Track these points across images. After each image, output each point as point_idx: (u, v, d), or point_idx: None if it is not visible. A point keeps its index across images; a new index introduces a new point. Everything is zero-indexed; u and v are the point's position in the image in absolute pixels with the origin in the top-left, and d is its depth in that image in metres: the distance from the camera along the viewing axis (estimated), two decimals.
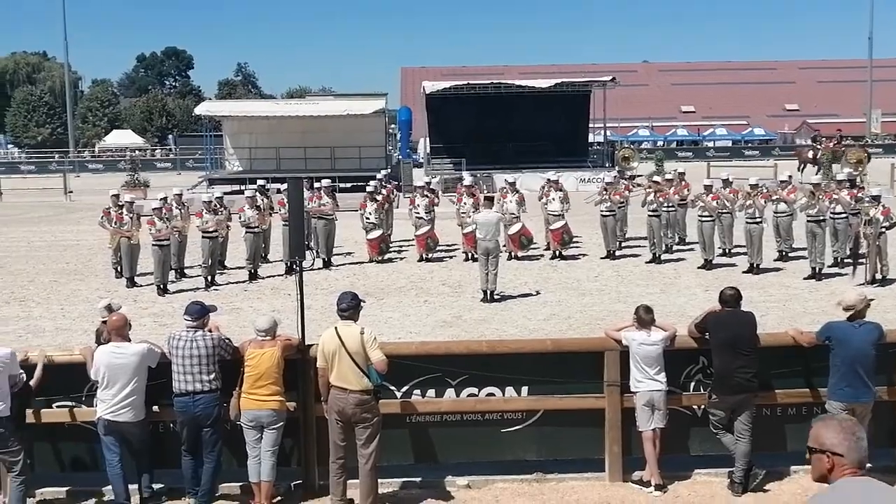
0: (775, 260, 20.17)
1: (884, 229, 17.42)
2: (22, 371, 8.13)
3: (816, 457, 3.97)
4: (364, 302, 8.49)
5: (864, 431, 4.04)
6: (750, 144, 74.18)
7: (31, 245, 26.18)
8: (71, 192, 41.99)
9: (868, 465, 7.70)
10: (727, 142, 77.14)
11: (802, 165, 40.46)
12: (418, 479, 8.87)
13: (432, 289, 18.49)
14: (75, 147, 76.84)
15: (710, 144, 75.04)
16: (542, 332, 14.08)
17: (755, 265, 19.20)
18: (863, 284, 16.63)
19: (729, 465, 8.58)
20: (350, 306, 8.15)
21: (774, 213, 20.09)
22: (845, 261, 19.05)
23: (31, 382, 8.14)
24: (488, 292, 17.03)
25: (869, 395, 8.34)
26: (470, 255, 20.94)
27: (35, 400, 8.36)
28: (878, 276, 17.64)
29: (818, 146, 41.41)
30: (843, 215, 19.12)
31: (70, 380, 8.51)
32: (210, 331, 8.40)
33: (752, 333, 8.53)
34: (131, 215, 19.31)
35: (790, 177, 21.30)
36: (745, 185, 20.22)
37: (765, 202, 19.70)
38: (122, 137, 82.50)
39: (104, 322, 8.98)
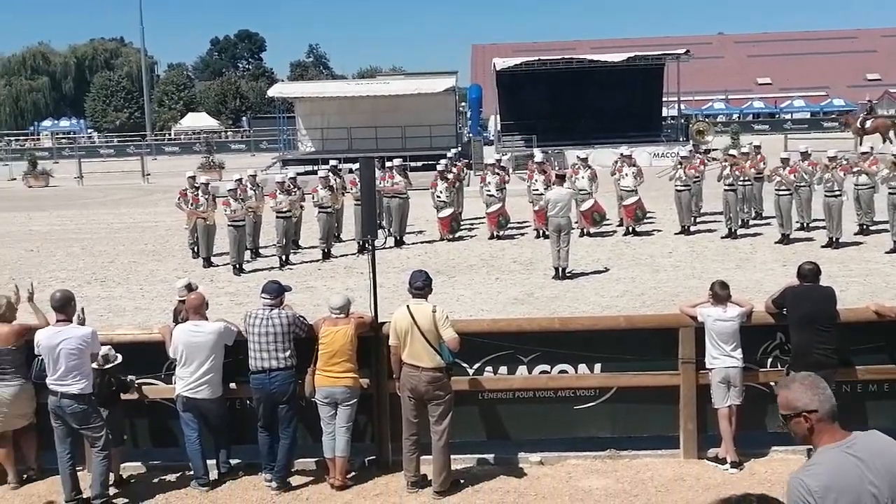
0: (856, 234, 19.69)
1: None
2: (111, 349, 8.38)
3: (795, 422, 4.00)
4: (434, 281, 8.51)
5: (825, 382, 4.10)
6: (829, 116, 72.21)
7: (110, 227, 26.82)
8: (148, 174, 42.86)
9: None
10: (805, 114, 75.26)
11: (859, 138, 39.05)
12: (491, 456, 8.89)
13: (504, 266, 18.47)
14: (152, 131, 78.39)
15: (788, 117, 73.31)
16: (614, 309, 13.97)
17: (835, 239, 18.76)
18: None
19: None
20: (424, 284, 8.19)
21: (855, 185, 19.60)
22: None
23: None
24: (560, 269, 16.94)
25: None
26: (541, 232, 20.84)
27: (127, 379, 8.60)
28: None
29: (873, 116, 40.93)
30: None
31: (150, 358, 8.70)
32: (285, 309, 8.50)
33: (831, 309, 8.34)
34: (207, 196, 19.63)
35: (872, 148, 20.73)
36: (823, 158, 19.75)
37: (844, 174, 19.21)
38: (198, 120, 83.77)
39: (182, 301, 9.17)
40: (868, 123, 40.33)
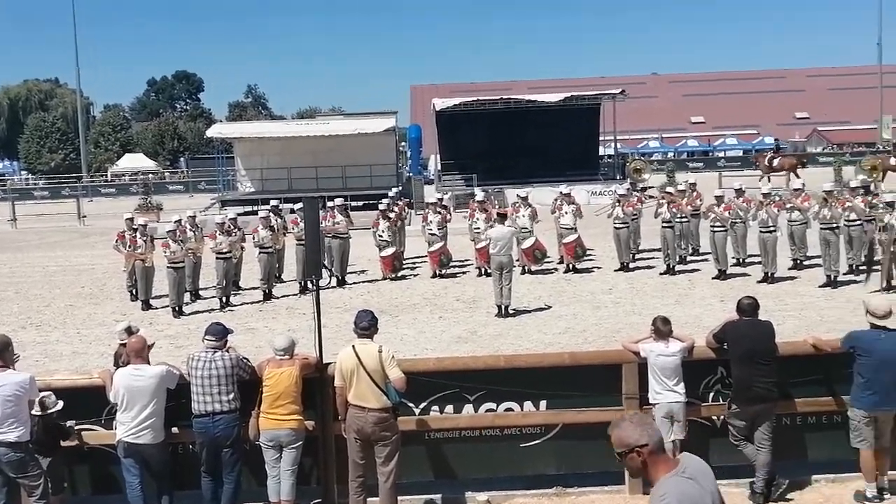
0: (790, 268, 20.10)
1: None
2: (51, 395, 8.21)
3: (629, 458, 4.27)
4: (378, 320, 8.50)
5: (651, 417, 4.40)
6: (761, 153, 73.89)
7: (46, 270, 26.31)
8: (85, 216, 42.19)
9: (886, 473, 7.66)
10: (738, 151, 77.02)
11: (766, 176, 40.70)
12: (438, 496, 8.85)
13: (447, 305, 18.50)
14: (88, 172, 77.33)
15: (721, 154, 74.91)
16: (557, 346, 14.05)
17: (770, 274, 19.14)
18: (878, 291, 16.56)
19: (750, 476, 8.53)
20: (370, 324, 8.19)
21: (788, 221, 20.04)
22: (860, 268, 18.96)
23: None
24: (503, 307, 17.02)
25: (894, 404, 8.26)
26: (483, 270, 20.95)
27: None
28: (894, 282, 17.55)
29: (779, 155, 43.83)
30: (858, 222, 19.02)
31: (90, 403, 8.53)
32: (228, 351, 8.43)
33: (770, 343, 8.50)
34: (145, 238, 19.40)
35: (803, 185, 21.22)
36: (757, 195, 20.19)
37: (778, 210, 19.65)
38: (135, 161, 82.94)
39: (123, 345, 9.03)
40: (775, 162, 42.17)
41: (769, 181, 30.63)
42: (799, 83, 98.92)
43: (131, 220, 20.53)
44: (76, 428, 8.51)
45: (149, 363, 8.33)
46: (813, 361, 8.81)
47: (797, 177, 37.88)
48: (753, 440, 8.48)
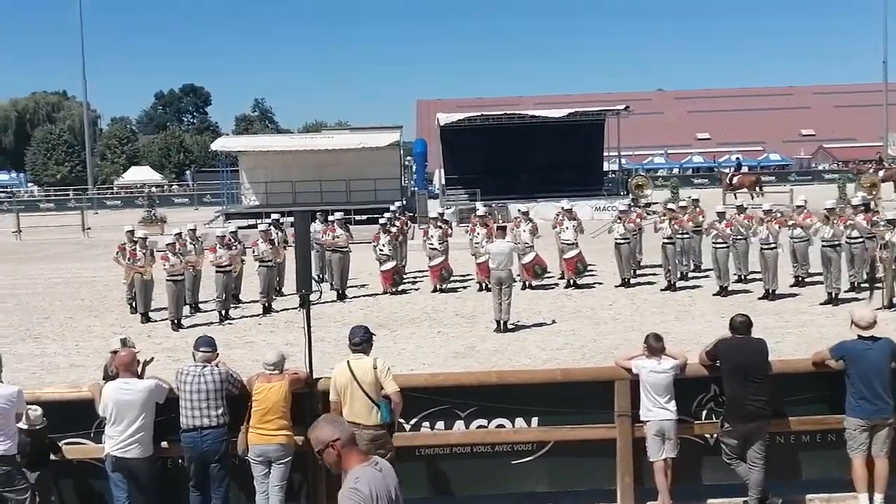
0: (791, 286, 20.02)
1: None
2: (37, 409, 8.17)
3: (326, 452, 4.90)
4: (374, 336, 8.45)
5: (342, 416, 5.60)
6: (766, 170, 73.85)
7: (47, 282, 26.34)
8: (89, 228, 42.29)
9: (884, 491, 7.63)
10: (743, 168, 76.83)
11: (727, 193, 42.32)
12: None
13: (446, 319, 18.45)
14: (94, 184, 77.48)
15: (726, 171, 74.79)
16: (555, 362, 14.00)
17: (771, 291, 19.06)
18: (880, 309, 16.47)
19: (743, 494, 8.46)
20: (363, 340, 8.13)
21: (791, 238, 19.96)
22: (862, 285, 18.87)
23: None
24: (502, 322, 16.97)
25: (887, 411, 8.32)
26: (484, 285, 20.90)
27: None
28: None
29: (739, 173, 45.86)
30: (860, 240, 18.94)
31: (78, 416, 8.49)
32: (218, 365, 8.39)
33: (763, 360, 8.45)
34: (145, 251, 19.38)
35: (805, 201, 21.16)
36: (759, 212, 20.14)
37: (779, 227, 19.59)
38: (141, 174, 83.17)
39: (114, 353, 8.98)
40: (735, 179, 44.00)
41: (735, 197, 31.23)
42: (805, 100, 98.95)
43: (132, 232, 20.49)
44: (64, 442, 8.46)
45: (138, 377, 8.30)
46: (807, 379, 8.77)
47: (760, 195, 39.47)
48: (746, 459, 8.42)
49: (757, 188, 43.10)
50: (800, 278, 20.29)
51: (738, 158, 54.91)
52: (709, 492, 8.83)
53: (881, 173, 43.01)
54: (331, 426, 4.97)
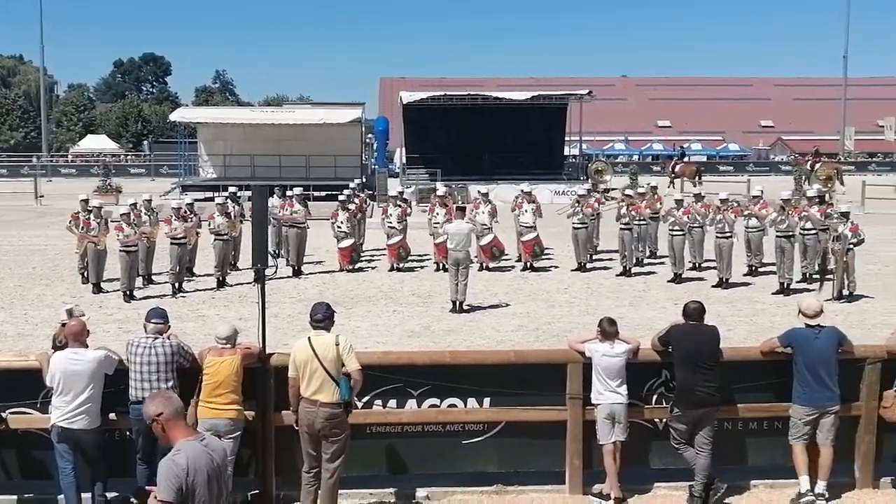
0: (745, 274, 20.25)
1: (852, 246, 17.56)
2: None
3: (153, 426, 5.22)
4: (336, 313, 8.40)
5: (174, 393, 6.47)
6: (725, 160, 74.55)
7: None
8: (42, 196, 41.58)
9: (827, 479, 7.76)
10: (702, 157, 77.26)
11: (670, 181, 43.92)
12: (378, 491, 8.78)
13: (402, 298, 18.43)
14: (49, 151, 76.16)
15: (686, 159, 75.36)
16: (509, 344, 14.04)
17: (724, 279, 19.26)
18: (829, 300, 16.72)
19: (689, 479, 8.55)
20: (325, 316, 8.06)
21: (746, 227, 20.17)
22: (813, 276, 19.15)
23: None
24: (458, 303, 16.98)
25: (834, 399, 8.46)
26: (441, 265, 20.90)
27: None
28: (846, 291, 17.76)
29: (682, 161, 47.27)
30: (813, 231, 19.19)
31: (24, 386, 8.36)
32: (169, 338, 8.30)
33: (714, 347, 8.53)
34: (99, 220, 19.12)
35: (761, 192, 21.37)
36: (715, 200, 20.32)
37: (735, 217, 19.78)
38: (97, 142, 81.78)
39: (63, 326, 8.84)
40: (677, 168, 44.93)
41: (674, 186, 31.75)
42: (765, 92, 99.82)
43: (86, 201, 20.20)
44: (7, 411, 8.33)
45: (87, 347, 8.18)
46: (756, 367, 8.88)
47: (699, 184, 40.73)
48: (694, 444, 8.51)
49: (697, 178, 43.74)
50: (753, 268, 20.54)
51: (681, 148, 55.83)
52: (656, 476, 8.92)
53: (818, 166, 43.62)
54: (157, 401, 5.30)
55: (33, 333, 15.02)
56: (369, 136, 60.74)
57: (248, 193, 22.95)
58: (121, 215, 18.88)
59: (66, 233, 21.08)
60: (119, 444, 8.52)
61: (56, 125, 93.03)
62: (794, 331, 8.64)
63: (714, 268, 19.84)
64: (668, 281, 19.92)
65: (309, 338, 7.99)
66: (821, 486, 8.50)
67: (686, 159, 50.46)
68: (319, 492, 8.04)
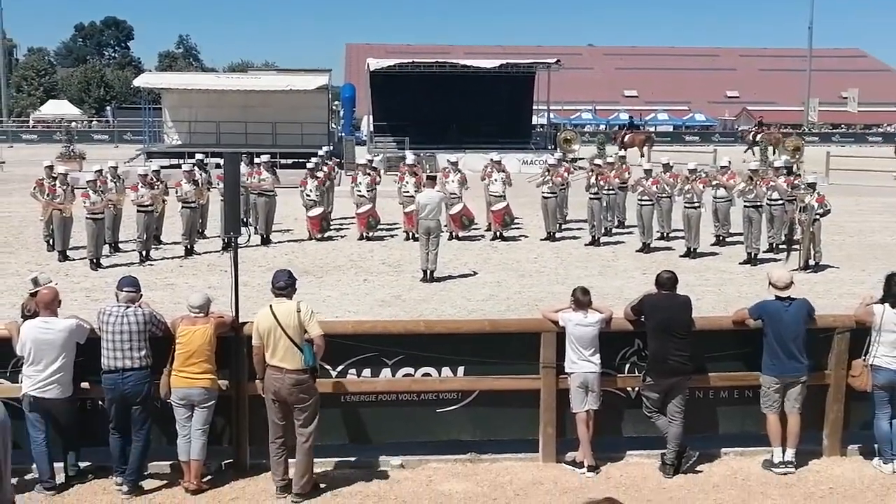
0: (712, 245, 20.42)
1: (818, 216, 17.73)
2: None
3: None
4: (297, 280, 8.37)
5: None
6: (691, 130, 74.92)
7: None
8: (3, 162, 40.91)
9: (796, 446, 7.90)
10: (668, 127, 77.75)
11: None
12: (352, 459, 8.81)
13: (372, 268, 18.39)
14: (9, 117, 74.90)
15: (652, 129, 75.60)
16: (480, 313, 14.06)
17: (692, 249, 19.41)
18: (796, 270, 16.90)
19: (661, 447, 8.65)
20: (287, 284, 8.07)
21: (714, 198, 20.31)
22: (780, 246, 19.35)
23: None
24: (428, 272, 16.98)
25: (802, 370, 8.60)
26: (411, 234, 20.86)
27: None
28: (812, 262, 17.95)
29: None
30: (780, 202, 19.38)
31: None
32: (141, 306, 8.22)
33: (687, 317, 8.61)
34: (65, 188, 18.87)
35: (729, 162, 21.51)
36: (684, 170, 20.43)
37: (703, 187, 19.90)
38: (59, 108, 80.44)
39: (32, 296, 8.72)
40: (626, 138, 45.05)
41: (624, 152, 32.07)
42: (731, 62, 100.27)
43: (51, 167, 19.94)
44: None
45: (57, 316, 8.09)
46: (727, 337, 8.99)
47: (643, 154, 40.58)
48: (666, 412, 8.60)
49: (645, 147, 43.50)
50: (721, 237, 20.72)
51: (630, 117, 56.06)
52: (629, 444, 9.02)
53: (759, 137, 44.91)
54: None
55: None
56: (336, 103, 60.32)
57: (215, 161, 22.91)
58: (87, 182, 18.66)
59: (29, 200, 20.78)
60: (91, 413, 8.45)
61: (16, 90, 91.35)
62: (764, 303, 8.73)
63: (682, 237, 19.98)
64: (637, 251, 20.04)
65: (270, 305, 7.99)
66: (789, 454, 8.65)
67: (635, 130, 50.08)
68: (296, 458, 8.06)
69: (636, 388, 8.85)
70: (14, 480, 8.20)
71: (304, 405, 7.95)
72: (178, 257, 19.12)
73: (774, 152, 41.33)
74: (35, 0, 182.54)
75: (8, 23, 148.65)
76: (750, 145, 45.55)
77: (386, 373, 8.75)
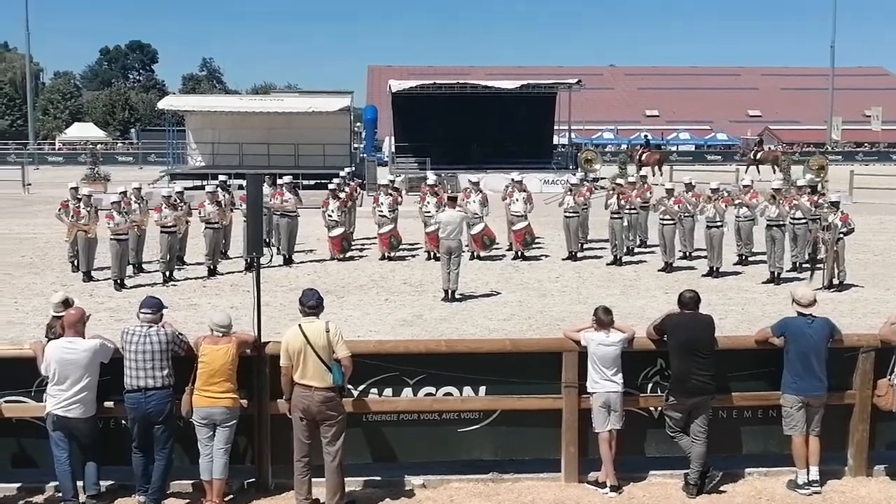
0: (735, 264, 20.31)
1: (842, 235, 17.61)
2: None
3: None
4: (324, 299, 8.40)
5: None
6: (712, 149, 74.72)
7: None
8: (29, 184, 41.35)
9: (818, 464, 7.81)
10: (690, 146, 77.61)
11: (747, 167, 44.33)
12: (375, 479, 8.79)
13: (394, 287, 18.41)
14: (35, 139, 75.76)
15: (674, 149, 75.46)
16: (501, 332, 14.05)
17: (715, 269, 19.31)
18: (820, 289, 16.77)
19: (684, 467, 8.59)
20: (317, 303, 8.11)
21: (736, 217, 20.22)
22: (803, 265, 19.22)
23: None
24: (450, 292, 16.98)
25: (821, 389, 8.52)
26: (432, 254, 20.89)
27: None
28: (836, 281, 17.82)
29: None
30: (803, 220, 19.25)
31: (18, 374, 8.32)
32: (164, 326, 8.27)
33: (710, 336, 8.56)
34: (89, 209, 19.04)
35: (752, 181, 21.43)
36: (706, 190, 20.36)
37: (726, 206, 19.82)
38: (84, 130, 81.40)
39: (56, 317, 8.79)
40: (644, 156, 45.29)
41: (641, 171, 32.09)
42: (753, 81, 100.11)
43: (76, 189, 20.15)
44: (1, 400, 8.29)
45: (83, 336, 8.14)
46: (750, 356, 8.92)
47: (660, 173, 41.41)
48: (689, 432, 8.54)
49: (658, 167, 44.11)
50: (743, 257, 20.60)
51: (646, 136, 56.14)
52: (651, 464, 8.95)
53: (759, 155, 45.42)
54: None
55: (24, 322, 14.96)
56: (358, 124, 60.63)
57: (238, 182, 23.04)
58: (111, 203, 18.80)
59: (54, 221, 20.99)
60: (114, 432, 8.48)
61: (42, 113, 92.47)
62: (786, 320, 8.68)
63: (704, 257, 19.88)
64: (659, 270, 19.96)
65: (300, 325, 8.01)
66: (814, 473, 8.57)
67: (651, 149, 50.43)
68: (325, 478, 8.07)
69: (659, 408, 8.80)
70: (39, 499, 8.31)
71: (333, 422, 7.99)
72: (202, 277, 19.23)
73: (774, 171, 41.66)
74: (61, 25, 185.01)
75: (35, 47, 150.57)
76: (749, 164, 45.59)
77: (407, 392, 8.75)
